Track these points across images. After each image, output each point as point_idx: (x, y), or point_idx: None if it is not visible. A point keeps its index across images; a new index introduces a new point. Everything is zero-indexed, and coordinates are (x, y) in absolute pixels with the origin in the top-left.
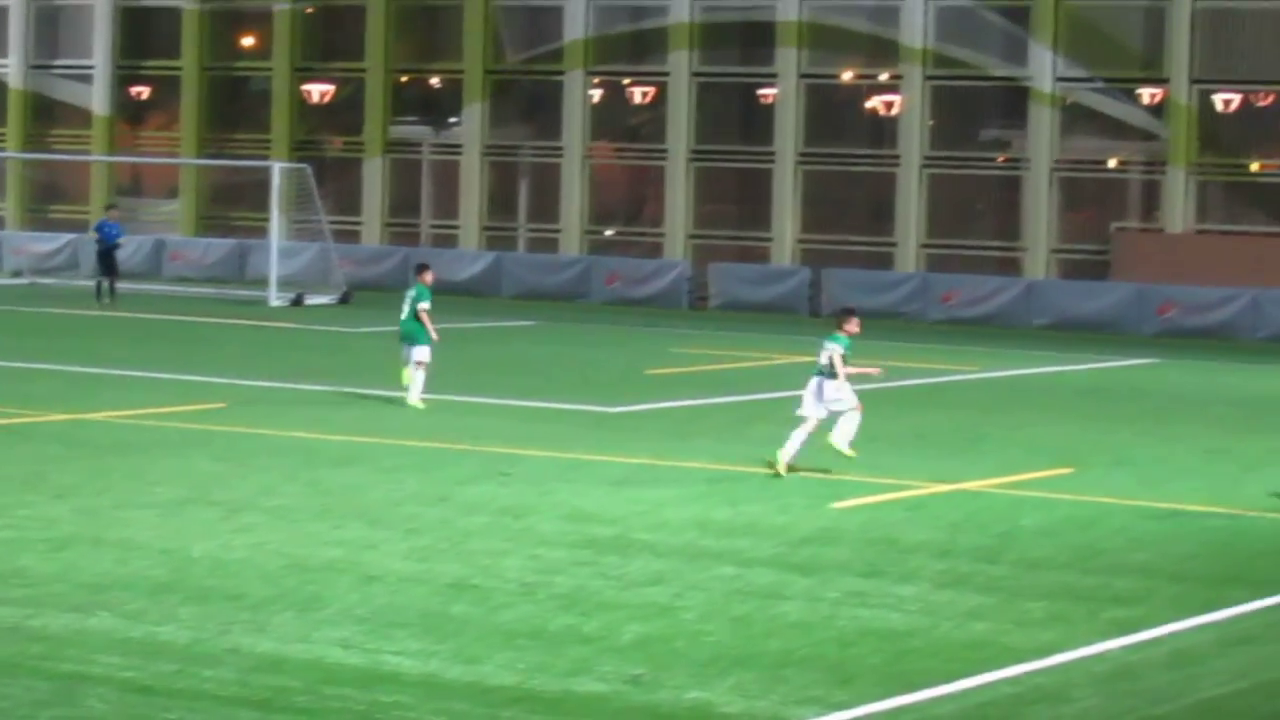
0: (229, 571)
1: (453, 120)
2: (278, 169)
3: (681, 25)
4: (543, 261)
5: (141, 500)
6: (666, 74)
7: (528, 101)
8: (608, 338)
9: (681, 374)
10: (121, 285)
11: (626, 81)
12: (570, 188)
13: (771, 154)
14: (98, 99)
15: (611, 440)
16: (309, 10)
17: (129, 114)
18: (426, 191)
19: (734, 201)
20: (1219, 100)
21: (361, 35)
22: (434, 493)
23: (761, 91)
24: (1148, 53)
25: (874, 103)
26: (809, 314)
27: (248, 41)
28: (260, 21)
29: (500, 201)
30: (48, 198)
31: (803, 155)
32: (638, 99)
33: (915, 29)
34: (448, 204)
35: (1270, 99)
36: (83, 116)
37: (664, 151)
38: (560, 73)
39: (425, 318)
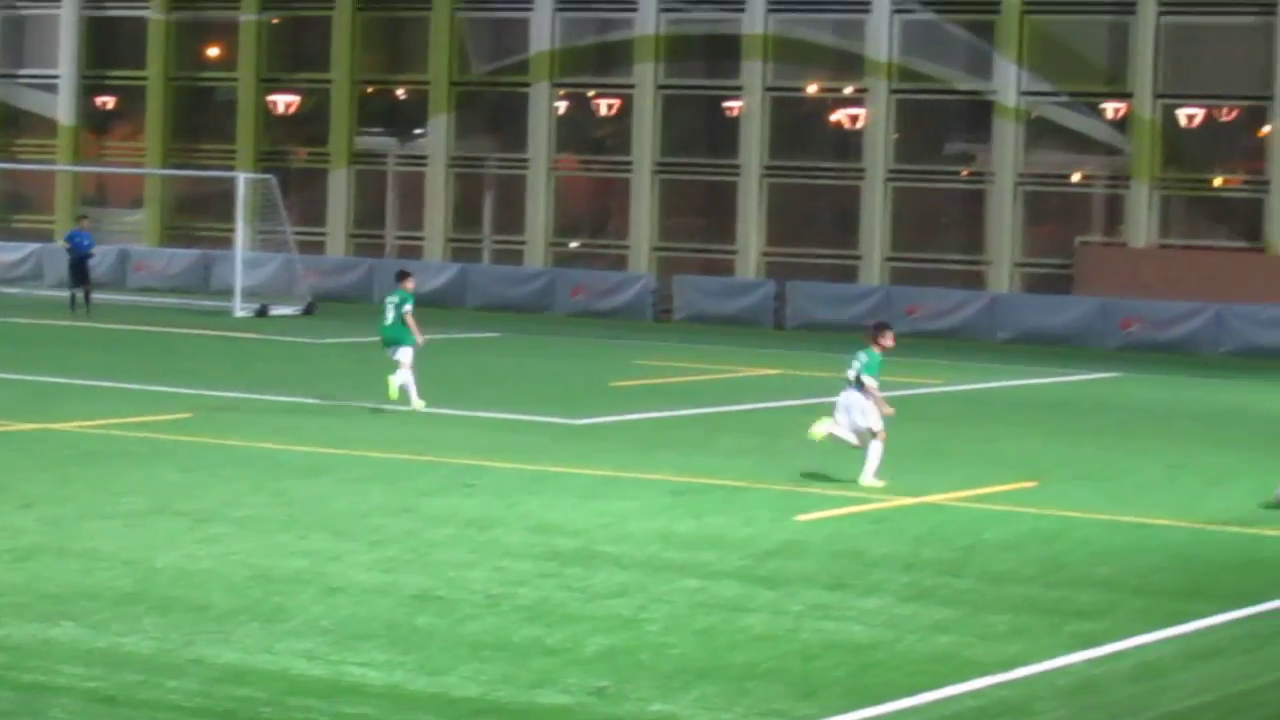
0: (194, 582)
1: (418, 132)
2: (243, 179)
3: (647, 38)
4: (507, 273)
5: (106, 510)
6: (632, 86)
7: (493, 113)
8: (572, 350)
9: (646, 386)
10: (79, 291)
11: (592, 93)
12: (535, 199)
13: (737, 167)
14: (63, 108)
15: (576, 452)
16: (275, 21)
17: (94, 124)
18: (391, 203)
19: (699, 214)
20: (1182, 115)
21: (327, 46)
22: (399, 504)
23: (727, 104)
24: (1112, 67)
25: (839, 116)
26: (774, 327)
27: (213, 52)
28: (226, 32)
29: (465, 213)
30: (12, 207)
31: (768, 168)
32: (603, 111)
33: (880, 42)
34: (413, 215)
35: (1234, 114)
36: (48, 126)
37: (629, 164)
38: (526, 84)
39: (410, 320)
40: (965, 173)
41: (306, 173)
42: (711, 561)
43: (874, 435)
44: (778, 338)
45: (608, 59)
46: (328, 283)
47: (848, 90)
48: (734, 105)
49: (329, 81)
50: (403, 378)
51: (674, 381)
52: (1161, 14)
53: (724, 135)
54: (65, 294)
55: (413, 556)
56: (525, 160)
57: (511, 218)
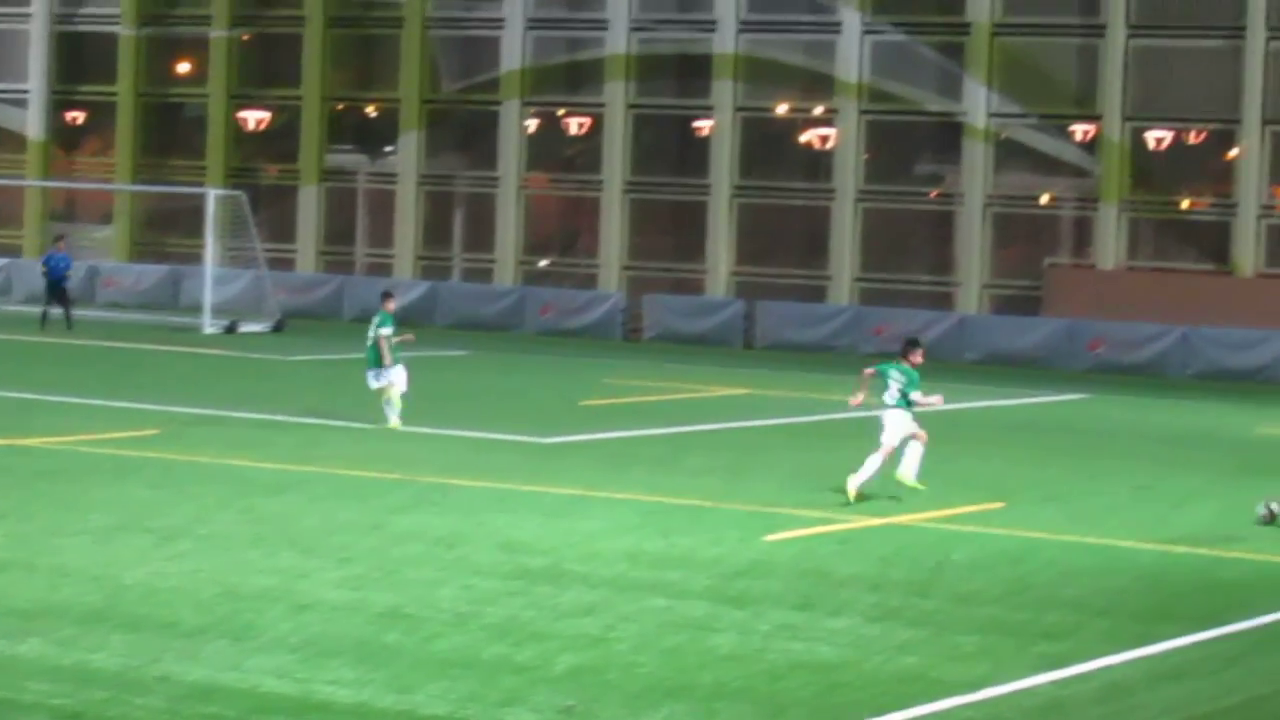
0: (161, 599)
1: (388, 149)
2: (213, 196)
3: (618, 57)
4: (477, 291)
5: (74, 527)
6: (602, 105)
7: (464, 131)
8: (541, 368)
9: (615, 405)
10: (55, 311)
11: (562, 112)
12: (505, 218)
13: (706, 186)
14: (32, 123)
15: (545, 471)
16: (245, 37)
17: (64, 139)
18: (361, 220)
19: (669, 233)
20: (1151, 137)
21: (298, 63)
22: (367, 521)
23: (697, 124)
24: (1081, 89)
25: (809, 136)
26: (743, 346)
27: (184, 68)
28: (197, 48)
29: (435, 231)
30: None
31: (738, 188)
32: (574, 130)
33: (851, 63)
34: (383, 233)
35: (1202, 137)
36: (17, 141)
37: (599, 182)
38: (496, 102)
39: (383, 344)
40: (934, 194)
41: (276, 189)
42: (679, 581)
43: (914, 436)
44: (747, 357)
45: (578, 78)
46: (297, 300)
47: (818, 110)
48: (704, 125)
49: (299, 98)
50: (390, 392)
51: (643, 400)
52: (1130, 37)
53: (694, 154)
54: (36, 309)
55: (381, 574)
56: (495, 178)
57: (481, 236)
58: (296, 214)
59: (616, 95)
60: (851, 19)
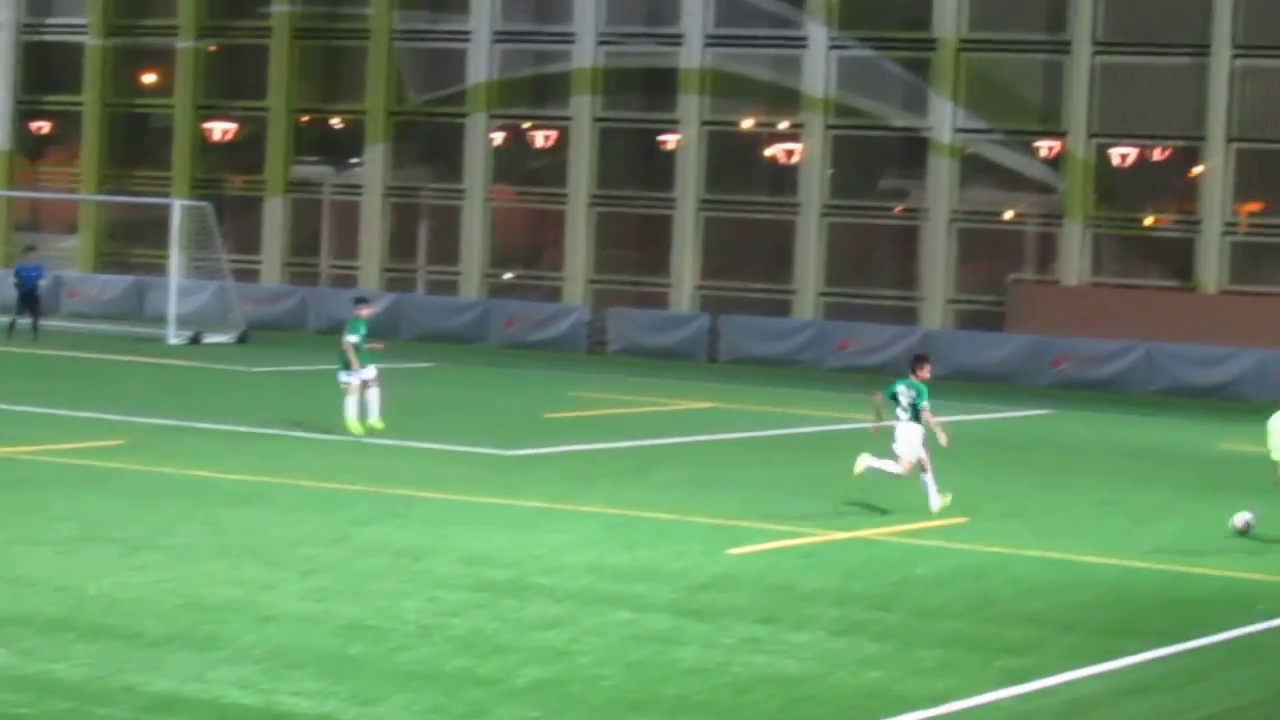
0: (125, 609)
1: (354, 161)
2: (178, 206)
3: (584, 70)
4: (442, 304)
5: (38, 537)
6: (569, 118)
7: (429, 143)
8: (506, 381)
9: (579, 418)
10: (23, 320)
11: (528, 125)
12: (471, 230)
13: (672, 200)
14: None
15: (509, 483)
16: (212, 48)
17: (29, 148)
18: (327, 231)
19: (634, 247)
20: (1116, 154)
21: (264, 74)
22: (332, 533)
23: (663, 137)
24: (1046, 106)
25: (775, 150)
26: (707, 360)
27: (150, 78)
28: (163, 59)
29: (400, 243)
30: None
31: (703, 201)
32: (540, 142)
33: (817, 78)
34: (348, 244)
35: (1166, 154)
36: None
37: (565, 195)
38: (463, 115)
39: (349, 351)
40: (899, 209)
41: (242, 200)
42: (644, 594)
43: (924, 469)
44: (711, 371)
45: (545, 91)
46: (262, 311)
47: (784, 125)
48: (670, 139)
49: (265, 109)
50: (367, 395)
51: (607, 414)
52: (1096, 54)
53: (660, 168)
54: (4, 319)
55: (345, 586)
56: (461, 191)
57: (447, 248)
58: (262, 225)
59: (583, 109)
60: (818, 34)
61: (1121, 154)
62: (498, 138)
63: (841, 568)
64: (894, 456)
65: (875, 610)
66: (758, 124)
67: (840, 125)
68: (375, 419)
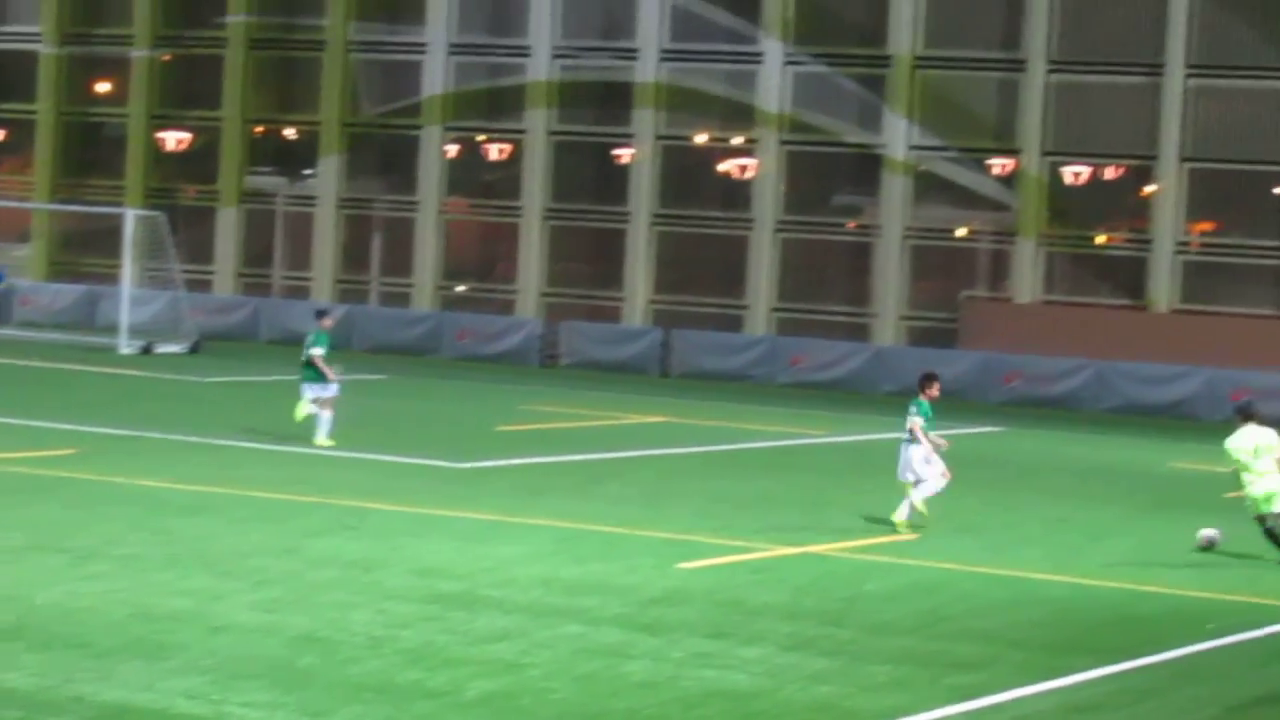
0: (75, 619)
1: (308, 172)
2: (131, 216)
3: (539, 84)
4: (394, 316)
5: None
6: (523, 131)
7: (384, 155)
8: (458, 393)
9: (531, 431)
10: None
11: (483, 138)
12: (424, 242)
13: (626, 214)
14: None
15: (461, 496)
16: (166, 58)
17: None
18: (280, 242)
19: (587, 260)
20: (1069, 173)
21: (219, 85)
22: (282, 544)
23: (617, 151)
24: (1000, 124)
25: (729, 165)
26: (659, 374)
27: (104, 87)
28: (117, 68)
29: (354, 254)
30: None
31: (657, 216)
32: (494, 155)
33: (772, 94)
34: (301, 255)
35: (1119, 172)
36: None
37: (519, 209)
38: (417, 127)
39: (319, 363)
40: (852, 225)
41: (195, 210)
42: (594, 608)
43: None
44: (663, 385)
45: (499, 104)
46: (214, 321)
47: (738, 140)
48: (624, 153)
49: (220, 120)
50: (307, 409)
51: (559, 427)
52: (1050, 72)
53: (614, 182)
54: None
55: (296, 597)
56: (415, 203)
57: (400, 260)
58: (215, 235)
59: (537, 122)
60: (773, 50)
61: (1074, 172)
62: (452, 150)
63: (792, 583)
64: (918, 480)
65: (826, 626)
66: (712, 139)
67: (794, 141)
68: (324, 438)
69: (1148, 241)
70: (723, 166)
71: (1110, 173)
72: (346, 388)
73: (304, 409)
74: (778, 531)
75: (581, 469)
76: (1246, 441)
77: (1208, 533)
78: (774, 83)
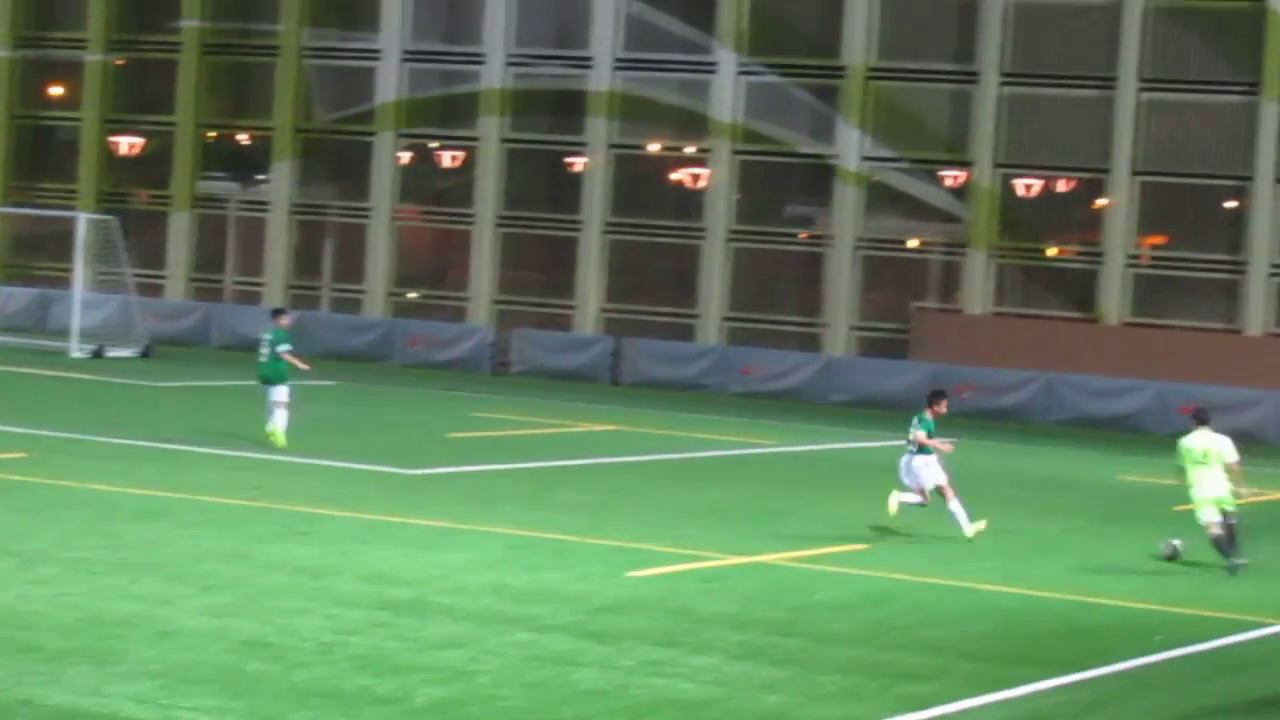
0: (24, 623)
1: (261, 177)
2: (83, 220)
3: (493, 91)
4: (346, 322)
5: None
6: (476, 139)
7: (337, 161)
8: (409, 401)
9: (482, 439)
10: None
11: (436, 145)
12: (376, 249)
13: (578, 222)
14: None
15: (411, 503)
16: (120, 62)
17: None
18: (232, 248)
19: (539, 268)
20: (1020, 185)
21: (172, 89)
22: (233, 550)
23: (570, 159)
24: (953, 135)
25: (681, 175)
26: (610, 383)
27: (57, 91)
28: (70, 71)
29: (305, 260)
30: None
31: (609, 225)
32: (446, 162)
33: (725, 104)
34: (253, 261)
35: (1071, 185)
36: None
37: (471, 216)
38: (370, 134)
39: (290, 358)
40: (804, 235)
41: (147, 215)
42: (544, 615)
43: (942, 494)
44: (614, 394)
45: (453, 111)
46: (165, 326)
47: (691, 150)
48: (577, 161)
49: (173, 124)
50: (282, 421)
51: (510, 435)
52: (1003, 84)
53: (566, 190)
54: None
55: (245, 602)
56: (367, 209)
57: (351, 266)
58: (167, 240)
59: (490, 129)
60: (727, 60)
61: (1026, 184)
62: (405, 157)
63: (742, 592)
64: (919, 490)
65: (775, 635)
66: (665, 148)
67: (747, 151)
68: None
69: (1099, 254)
70: (675, 176)
71: (1062, 185)
72: (298, 393)
73: (276, 427)
74: (728, 540)
75: (532, 477)
76: (1198, 443)
77: (1174, 542)
78: (727, 93)
